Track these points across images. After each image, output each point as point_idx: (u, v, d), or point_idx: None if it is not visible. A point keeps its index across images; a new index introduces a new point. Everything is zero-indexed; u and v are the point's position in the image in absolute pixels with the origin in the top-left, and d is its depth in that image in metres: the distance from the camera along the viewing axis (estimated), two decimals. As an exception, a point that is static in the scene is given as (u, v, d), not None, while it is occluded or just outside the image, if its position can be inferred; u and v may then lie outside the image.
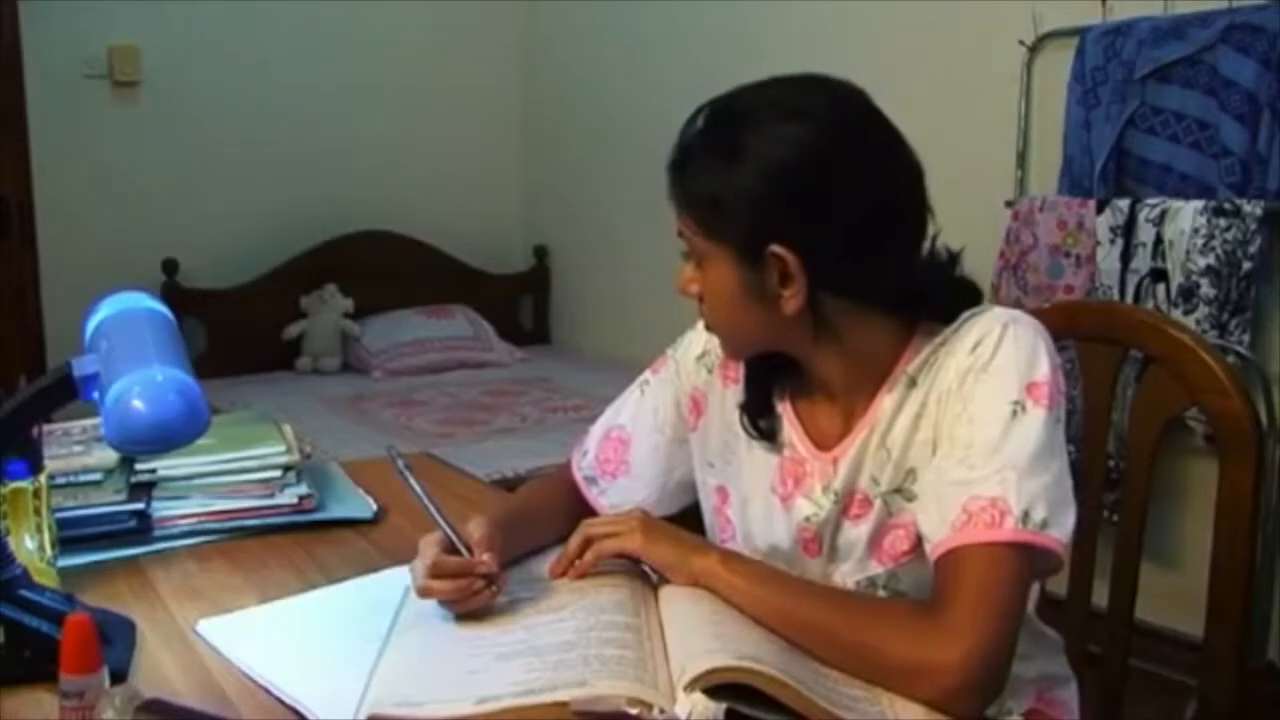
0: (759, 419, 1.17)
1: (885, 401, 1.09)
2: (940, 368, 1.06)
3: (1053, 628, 1.27)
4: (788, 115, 1.03)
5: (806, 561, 1.15)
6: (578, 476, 1.33)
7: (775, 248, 1.02)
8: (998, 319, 1.06)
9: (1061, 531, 0.99)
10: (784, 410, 1.17)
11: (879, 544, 1.10)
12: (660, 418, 1.29)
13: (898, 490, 1.09)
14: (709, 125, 1.07)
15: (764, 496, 1.18)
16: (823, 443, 1.14)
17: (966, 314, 1.08)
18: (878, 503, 1.10)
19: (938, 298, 1.10)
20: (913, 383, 1.08)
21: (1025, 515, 0.97)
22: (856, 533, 1.11)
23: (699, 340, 1.26)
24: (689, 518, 1.26)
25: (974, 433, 1.01)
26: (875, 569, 1.11)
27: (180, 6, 3.88)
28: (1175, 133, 2.47)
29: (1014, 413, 1.01)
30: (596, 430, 1.34)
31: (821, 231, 1.03)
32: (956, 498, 0.99)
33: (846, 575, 1.12)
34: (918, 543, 1.06)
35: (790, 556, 1.16)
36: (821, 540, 1.14)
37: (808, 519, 1.14)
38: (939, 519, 1.00)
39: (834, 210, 1.02)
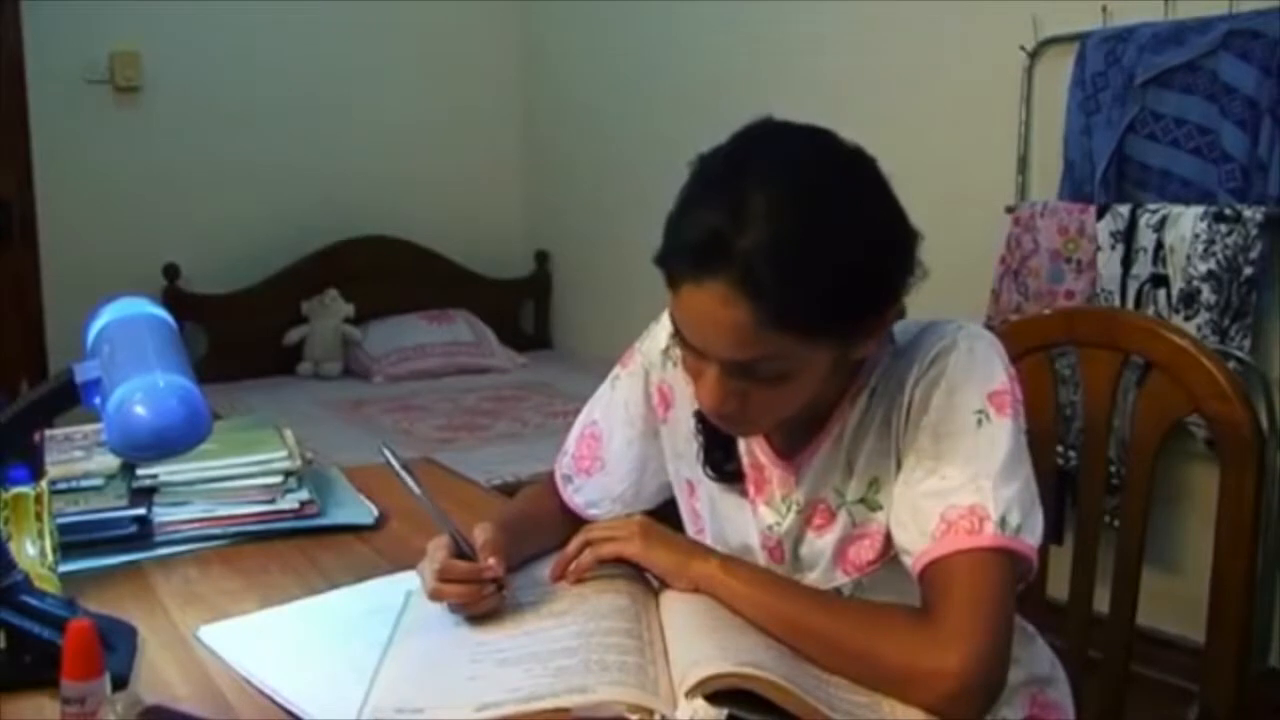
0: (725, 464, 1.17)
1: (847, 412, 1.09)
2: (898, 378, 1.06)
3: (1053, 634, 1.27)
4: (823, 168, 0.99)
5: (774, 568, 1.15)
6: (557, 476, 1.33)
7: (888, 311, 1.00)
8: (952, 331, 1.06)
9: (1034, 537, 1.00)
10: None
11: (844, 554, 1.10)
12: (631, 412, 1.28)
13: (862, 500, 1.09)
14: (767, 211, 0.93)
15: (735, 496, 1.18)
16: (783, 451, 1.14)
17: (919, 325, 1.08)
18: (842, 514, 1.10)
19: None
20: (873, 392, 1.08)
21: (1003, 521, 0.98)
22: (821, 543, 1.11)
23: (664, 333, 1.24)
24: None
25: (941, 445, 1.01)
26: (841, 579, 1.11)
27: (181, 12, 3.89)
28: (1176, 138, 2.47)
29: (979, 422, 1.01)
30: (574, 429, 1.34)
31: (905, 264, 1.01)
32: (933, 508, 0.99)
33: (812, 584, 1.12)
34: (883, 552, 1.07)
35: (760, 558, 1.16)
36: (784, 549, 1.14)
37: (770, 527, 1.14)
38: (917, 531, 1.00)
39: (900, 238, 1.01)
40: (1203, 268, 2.35)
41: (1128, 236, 2.49)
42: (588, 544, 1.12)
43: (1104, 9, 2.61)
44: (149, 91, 3.91)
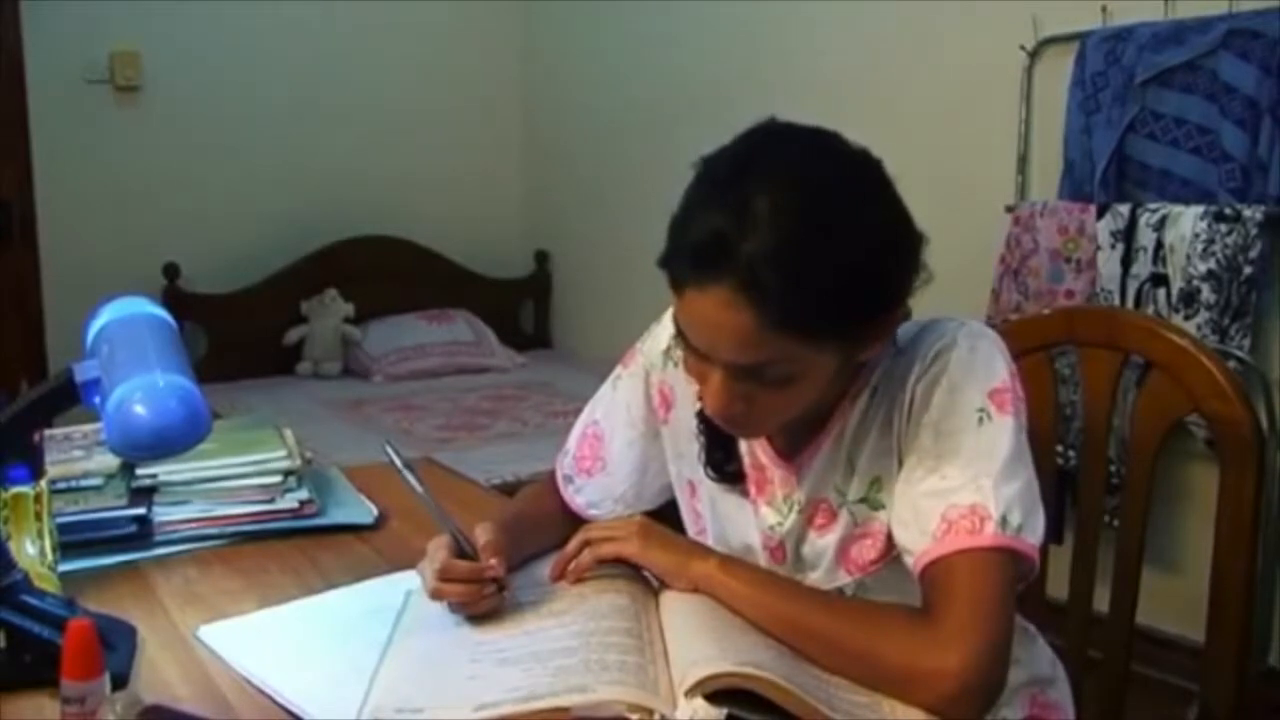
0: (726, 465, 1.16)
1: (849, 411, 1.09)
2: (899, 377, 1.06)
3: (1053, 634, 1.27)
4: (827, 170, 0.98)
5: (775, 568, 1.15)
6: (558, 476, 1.33)
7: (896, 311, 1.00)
8: (953, 329, 1.06)
9: (1035, 536, 0.99)
10: None
11: (846, 554, 1.10)
12: (633, 413, 1.27)
13: (863, 499, 1.08)
14: (771, 214, 0.92)
15: (736, 496, 1.18)
16: (785, 451, 1.13)
17: (919, 324, 1.08)
18: (844, 513, 1.10)
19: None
20: (874, 391, 1.08)
21: (1004, 520, 0.97)
22: (823, 543, 1.11)
23: (665, 333, 1.23)
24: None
25: (942, 443, 1.01)
26: (843, 578, 1.11)
27: (181, 12, 3.89)
28: (1176, 138, 2.47)
29: (980, 420, 1.01)
30: (576, 429, 1.34)
31: (910, 267, 1.01)
32: (934, 508, 0.99)
33: (815, 584, 1.12)
34: (885, 551, 1.07)
35: (762, 559, 1.16)
36: (785, 549, 1.14)
37: (771, 527, 1.14)
38: (918, 531, 1.00)
39: (905, 240, 1.01)
40: (1202, 267, 2.35)
41: (1127, 236, 2.49)
42: (587, 544, 1.12)
43: (1104, 9, 2.61)
44: (149, 91, 3.91)
